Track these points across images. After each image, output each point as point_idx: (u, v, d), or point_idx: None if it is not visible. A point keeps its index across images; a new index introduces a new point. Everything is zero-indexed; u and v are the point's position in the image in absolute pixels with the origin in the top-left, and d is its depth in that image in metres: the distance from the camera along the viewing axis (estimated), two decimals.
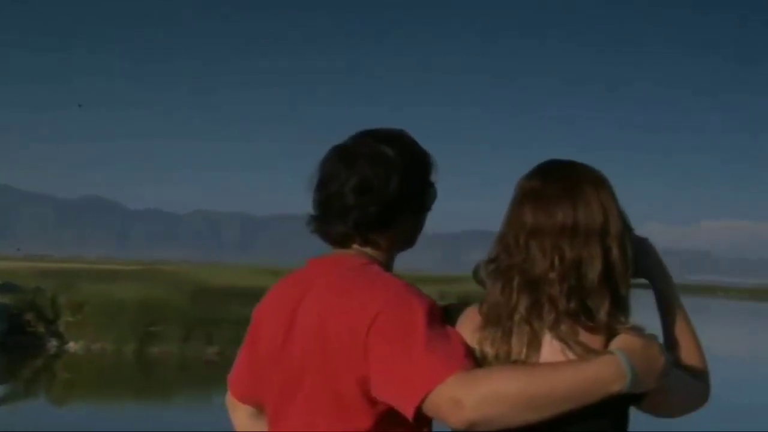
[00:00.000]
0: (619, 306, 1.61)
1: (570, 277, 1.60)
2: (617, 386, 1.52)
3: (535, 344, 1.60)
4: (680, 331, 1.72)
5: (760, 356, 27.58)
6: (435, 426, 1.69)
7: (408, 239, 1.86)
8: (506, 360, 1.61)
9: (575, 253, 1.60)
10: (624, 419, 1.61)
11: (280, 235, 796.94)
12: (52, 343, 20.14)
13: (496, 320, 1.64)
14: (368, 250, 1.79)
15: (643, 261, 1.71)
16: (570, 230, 1.62)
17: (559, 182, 1.66)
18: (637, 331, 1.59)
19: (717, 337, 24.28)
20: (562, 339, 1.59)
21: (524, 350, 1.60)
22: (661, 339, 1.65)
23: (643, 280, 1.74)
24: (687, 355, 1.69)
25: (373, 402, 1.62)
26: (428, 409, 1.53)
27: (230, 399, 1.98)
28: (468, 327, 1.66)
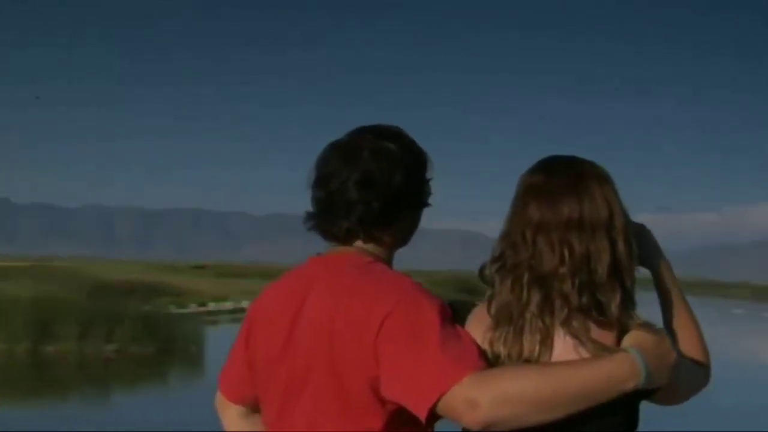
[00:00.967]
0: (627, 299, 1.62)
1: (581, 272, 1.60)
2: (632, 384, 1.53)
3: (547, 342, 1.60)
4: (680, 316, 1.73)
5: None
6: (439, 426, 1.68)
7: (405, 236, 1.84)
8: (518, 359, 1.60)
9: (584, 247, 1.61)
10: (636, 415, 1.62)
11: (176, 230, 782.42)
12: None
13: (507, 319, 1.63)
14: (370, 246, 1.77)
15: (644, 248, 1.72)
16: (577, 224, 1.62)
17: (563, 177, 1.66)
18: (648, 327, 1.61)
19: None
20: (574, 335, 1.59)
21: (537, 348, 1.60)
22: (660, 324, 1.68)
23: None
24: (688, 341, 1.71)
25: (382, 402, 1.61)
26: (442, 409, 1.52)
27: (221, 398, 1.95)
28: (478, 328, 1.65)
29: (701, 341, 1.74)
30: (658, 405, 1.69)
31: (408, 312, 1.59)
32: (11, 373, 18.60)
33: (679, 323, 1.73)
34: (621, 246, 1.62)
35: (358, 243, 1.77)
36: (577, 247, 1.61)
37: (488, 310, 1.67)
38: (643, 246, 1.71)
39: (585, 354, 1.57)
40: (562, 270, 1.60)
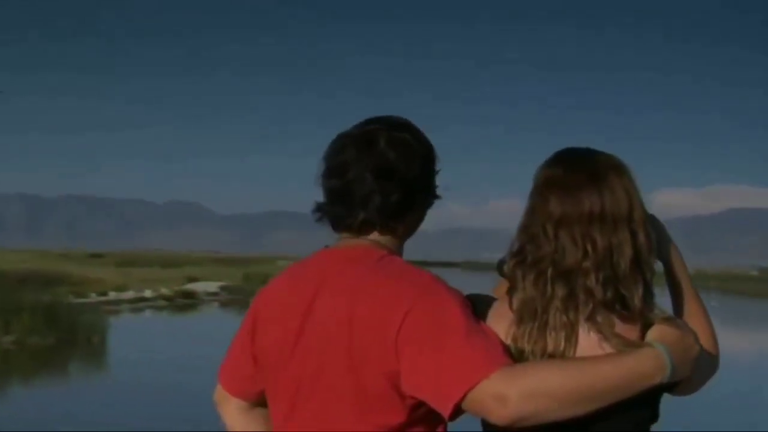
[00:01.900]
0: (647, 292, 1.62)
1: (604, 266, 1.59)
2: (658, 379, 1.54)
3: (572, 338, 1.60)
4: (691, 306, 1.74)
5: None
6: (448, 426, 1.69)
7: (415, 227, 1.82)
8: (542, 355, 1.59)
9: (606, 241, 1.60)
10: (657, 408, 1.63)
11: (68, 218, 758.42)
12: None
13: (531, 315, 1.62)
14: (383, 238, 1.74)
15: (657, 239, 1.71)
16: (599, 218, 1.61)
17: (582, 170, 1.65)
18: (672, 321, 1.62)
19: None
20: (599, 331, 1.58)
21: (562, 344, 1.59)
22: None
23: None
24: (700, 330, 1.71)
25: (401, 396, 1.59)
26: (469, 405, 1.51)
27: (221, 392, 1.91)
28: (501, 324, 1.64)
29: (712, 330, 1.76)
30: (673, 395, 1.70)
31: (430, 307, 1.57)
32: None
33: (691, 312, 1.74)
34: (641, 238, 1.62)
35: (373, 234, 1.74)
36: (599, 241, 1.60)
37: (510, 306, 1.66)
38: (657, 237, 1.71)
39: (609, 349, 1.57)
40: (586, 264, 1.60)
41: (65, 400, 14.58)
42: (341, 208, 1.73)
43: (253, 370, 1.81)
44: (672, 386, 1.61)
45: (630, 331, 1.60)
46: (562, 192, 1.64)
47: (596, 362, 1.54)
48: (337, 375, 1.64)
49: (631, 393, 1.53)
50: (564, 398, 1.49)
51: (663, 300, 1.74)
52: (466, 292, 1.70)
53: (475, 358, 1.51)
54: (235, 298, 34.94)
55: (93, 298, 30.69)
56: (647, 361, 1.54)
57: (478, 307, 1.66)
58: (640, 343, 1.58)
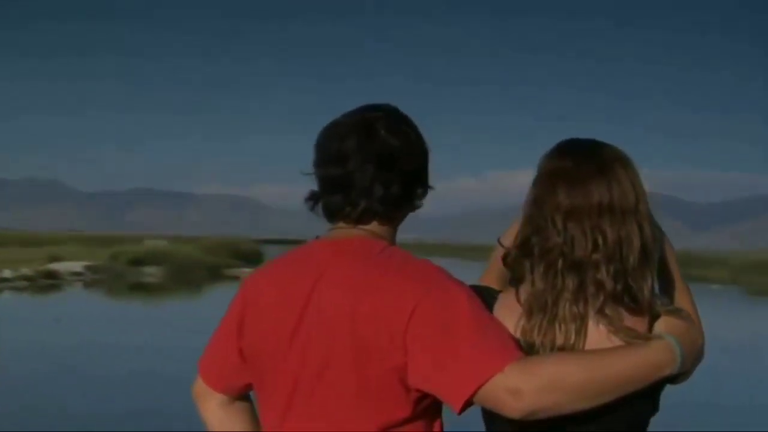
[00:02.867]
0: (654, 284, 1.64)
1: (615, 259, 1.59)
2: (668, 370, 1.56)
3: (582, 330, 1.59)
4: (682, 296, 1.75)
5: None
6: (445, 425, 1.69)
7: (404, 217, 1.78)
8: (552, 348, 1.59)
9: (615, 233, 1.60)
10: (658, 398, 1.64)
11: None
12: None
13: (541, 307, 1.61)
14: (380, 229, 1.70)
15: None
16: (608, 210, 1.60)
17: (590, 162, 1.64)
18: (678, 312, 1.64)
19: None
20: (609, 323, 1.59)
21: (572, 337, 1.59)
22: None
23: None
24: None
25: (406, 390, 1.57)
26: (482, 398, 1.49)
27: (201, 386, 1.84)
28: (510, 316, 1.63)
29: (699, 320, 1.77)
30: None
31: (438, 300, 1.54)
32: None
33: (682, 303, 1.74)
34: (648, 230, 1.63)
35: (372, 224, 1.69)
36: (609, 233, 1.60)
37: (517, 298, 1.64)
38: None
39: (617, 342, 1.57)
40: (596, 256, 1.59)
41: None
42: (340, 197, 1.68)
43: (239, 363, 1.76)
44: (674, 377, 1.61)
45: (638, 323, 1.60)
46: (571, 183, 1.63)
47: (609, 355, 1.54)
48: (342, 371, 1.59)
49: (643, 385, 1.54)
50: (579, 391, 1.48)
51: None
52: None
53: (489, 351, 1.49)
54: (101, 278, 33.79)
55: None
56: (659, 353, 1.55)
57: (484, 299, 1.62)
58: (650, 335, 1.59)
